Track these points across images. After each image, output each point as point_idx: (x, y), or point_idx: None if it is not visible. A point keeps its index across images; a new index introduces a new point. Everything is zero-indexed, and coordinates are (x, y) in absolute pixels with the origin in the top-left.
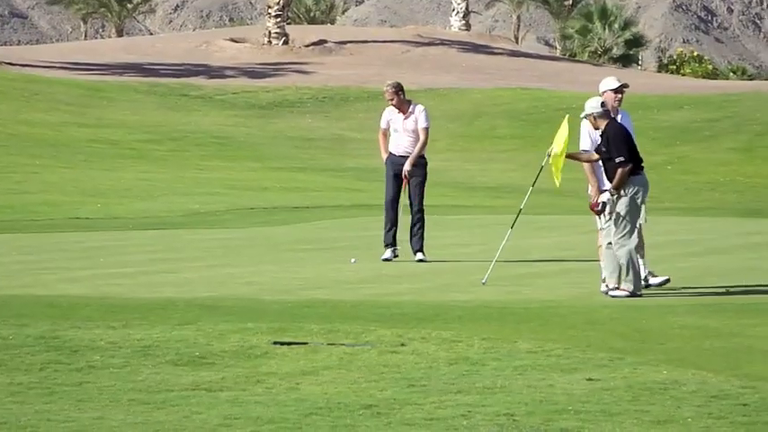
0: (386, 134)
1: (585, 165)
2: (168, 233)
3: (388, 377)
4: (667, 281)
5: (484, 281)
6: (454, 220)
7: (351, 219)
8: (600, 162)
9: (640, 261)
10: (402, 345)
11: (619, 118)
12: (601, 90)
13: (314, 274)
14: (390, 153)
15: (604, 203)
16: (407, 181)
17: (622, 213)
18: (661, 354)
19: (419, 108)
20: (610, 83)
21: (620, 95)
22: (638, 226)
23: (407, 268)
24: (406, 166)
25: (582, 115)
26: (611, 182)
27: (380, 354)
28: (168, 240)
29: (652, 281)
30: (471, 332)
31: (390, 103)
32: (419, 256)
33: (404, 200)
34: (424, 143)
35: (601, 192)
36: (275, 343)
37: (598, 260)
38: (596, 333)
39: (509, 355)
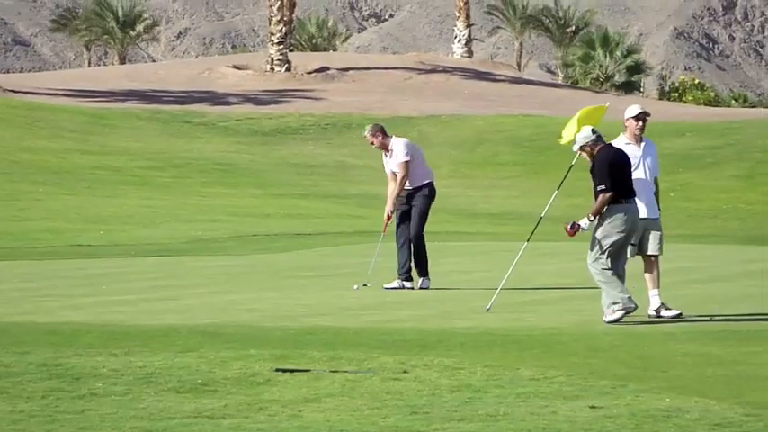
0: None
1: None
2: (170, 260)
3: (390, 404)
4: (679, 315)
5: (488, 307)
6: (456, 246)
7: (353, 245)
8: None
9: (655, 292)
10: (404, 372)
11: (642, 146)
12: (625, 117)
13: (316, 301)
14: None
15: (578, 226)
16: (388, 221)
17: (598, 238)
18: (663, 381)
19: (395, 143)
20: (632, 110)
21: (641, 123)
22: (628, 255)
23: (409, 295)
24: (388, 207)
25: (574, 148)
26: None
27: (383, 381)
28: (170, 267)
29: (664, 313)
30: (474, 359)
31: (374, 147)
32: (420, 282)
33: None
34: (401, 179)
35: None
36: (277, 370)
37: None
38: (599, 360)
39: (511, 382)
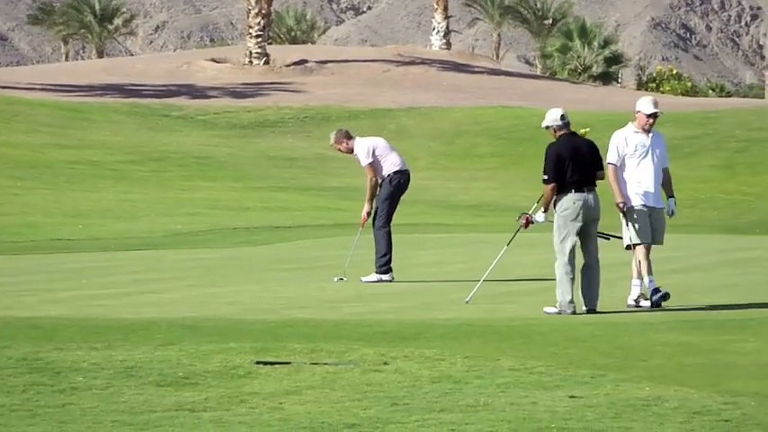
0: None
1: (611, 175)
2: (150, 254)
3: (371, 396)
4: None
5: (468, 299)
6: (435, 238)
7: (333, 238)
8: (623, 173)
9: (637, 282)
10: (385, 363)
11: (650, 136)
12: (636, 109)
13: (296, 294)
14: None
15: (531, 218)
16: (365, 221)
17: (554, 230)
18: (643, 370)
19: (356, 147)
20: (645, 106)
21: (651, 120)
22: (591, 247)
23: (389, 287)
24: (365, 209)
25: (542, 125)
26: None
27: (363, 373)
28: (150, 261)
29: (643, 303)
30: (454, 350)
31: (342, 153)
32: (368, 276)
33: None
34: (369, 181)
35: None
36: (258, 363)
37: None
38: (578, 350)
39: (492, 372)
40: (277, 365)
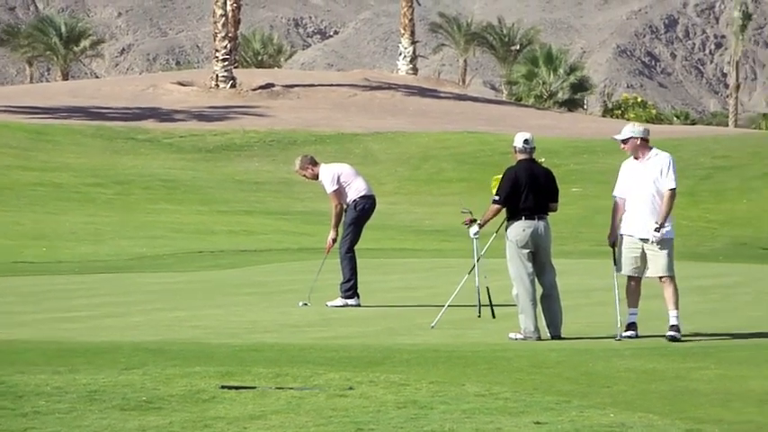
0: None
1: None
2: (114, 277)
3: (336, 421)
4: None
5: (433, 324)
6: (401, 263)
7: (298, 262)
8: (625, 204)
9: (634, 309)
10: (350, 388)
11: (647, 161)
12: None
13: (261, 318)
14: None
15: (469, 215)
16: (330, 247)
17: (507, 260)
18: (608, 397)
19: (321, 174)
20: (621, 133)
21: (625, 146)
22: (527, 275)
23: (355, 312)
24: (330, 235)
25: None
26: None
27: (329, 397)
28: (114, 284)
29: (625, 333)
30: (419, 376)
31: (306, 179)
32: (334, 301)
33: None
34: (334, 208)
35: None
36: (223, 387)
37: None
38: (543, 376)
39: (457, 398)
40: (242, 390)
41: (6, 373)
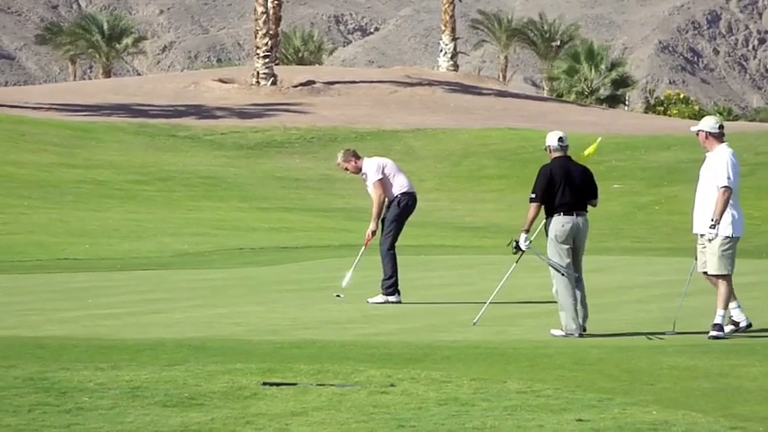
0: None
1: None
2: (156, 273)
3: (377, 418)
4: (740, 328)
5: (475, 321)
6: (441, 260)
7: (339, 259)
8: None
9: (733, 304)
10: (391, 385)
11: (709, 157)
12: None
13: (302, 315)
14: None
15: (515, 243)
16: (370, 239)
17: (548, 256)
18: (650, 394)
19: (366, 165)
20: (698, 124)
21: (701, 139)
22: (565, 272)
23: (395, 308)
24: (371, 227)
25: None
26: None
27: (370, 394)
28: (156, 281)
29: (728, 328)
30: (460, 372)
31: (349, 172)
32: (375, 297)
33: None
34: (378, 198)
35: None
36: (264, 384)
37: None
38: (585, 373)
39: (498, 395)
40: (283, 387)
41: (50, 369)
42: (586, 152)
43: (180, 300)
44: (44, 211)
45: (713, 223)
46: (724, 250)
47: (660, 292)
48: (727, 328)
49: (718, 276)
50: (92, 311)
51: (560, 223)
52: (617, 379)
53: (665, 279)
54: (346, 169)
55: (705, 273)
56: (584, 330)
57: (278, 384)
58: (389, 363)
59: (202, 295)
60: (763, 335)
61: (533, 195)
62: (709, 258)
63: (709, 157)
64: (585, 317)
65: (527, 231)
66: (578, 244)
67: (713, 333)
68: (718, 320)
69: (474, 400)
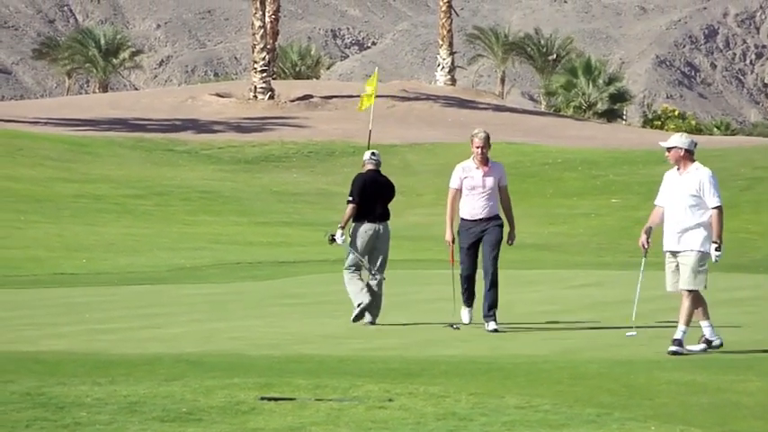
0: (457, 196)
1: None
2: (153, 288)
3: None
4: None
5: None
6: (438, 274)
7: (336, 273)
8: (663, 213)
9: (705, 323)
10: (389, 400)
11: (681, 174)
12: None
13: (300, 329)
14: (463, 219)
15: (332, 236)
16: (452, 248)
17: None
18: (649, 409)
19: (499, 164)
20: (668, 141)
21: (667, 154)
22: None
23: (392, 324)
24: (507, 240)
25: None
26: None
27: (368, 409)
28: (153, 295)
29: (700, 346)
30: (458, 387)
31: (478, 154)
32: (490, 325)
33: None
34: (505, 195)
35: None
36: (262, 398)
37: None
38: (583, 388)
39: (497, 410)
40: (281, 401)
41: (47, 384)
42: (368, 90)
43: (177, 314)
44: (41, 226)
45: (718, 245)
46: (701, 266)
47: (658, 307)
48: (700, 347)
49: (690, 291)
50: (89, 326)
51: (362, 228)
52: (615, 394)
53: (663, 293)
54: (480, 149)
55: (676, 291)
56: (372, 322)
57: (276, 399)
58: (387, 377)
59: (200, 310)
60: (760, 350)
61: (350, 198)
62: (686, 273)
63: (681, 175)
64: (377, 313)
65: (343, 228)
66: (372, 246)
67: (672, 348)
68: (678, 336)
69: (472, 414)
